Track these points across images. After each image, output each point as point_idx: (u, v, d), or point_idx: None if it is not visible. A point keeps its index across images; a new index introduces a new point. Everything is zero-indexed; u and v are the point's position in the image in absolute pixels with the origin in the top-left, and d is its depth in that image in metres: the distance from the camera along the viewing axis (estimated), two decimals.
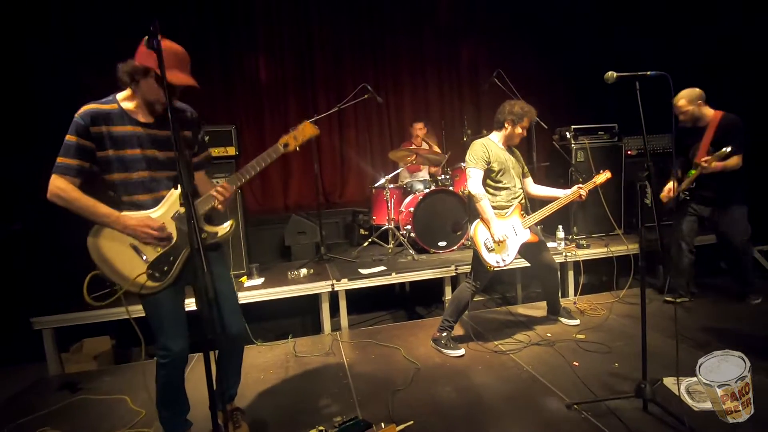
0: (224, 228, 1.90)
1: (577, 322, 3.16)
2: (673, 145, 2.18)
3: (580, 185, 2.89)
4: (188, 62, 1.72)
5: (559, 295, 3.32)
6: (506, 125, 2.85)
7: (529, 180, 3.05)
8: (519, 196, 2.93)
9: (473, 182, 2.78)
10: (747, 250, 3.24)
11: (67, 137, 1.68)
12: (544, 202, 2.99)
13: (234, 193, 1.87)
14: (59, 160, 1.68)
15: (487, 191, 2.84)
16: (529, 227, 2.87)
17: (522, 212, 2.92)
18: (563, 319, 3.20)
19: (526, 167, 3.02)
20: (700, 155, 3.08)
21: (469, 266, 2.94)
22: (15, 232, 3.69)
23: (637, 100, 1.98)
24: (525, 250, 2.94)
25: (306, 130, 1.91)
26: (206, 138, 2.05)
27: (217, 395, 1.87)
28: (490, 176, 2.85)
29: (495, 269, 2.76)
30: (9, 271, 3.59)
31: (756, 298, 3.30)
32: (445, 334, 2.88)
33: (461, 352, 2.81)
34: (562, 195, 2.92)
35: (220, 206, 1.84)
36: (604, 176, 2.96)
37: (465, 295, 2.85)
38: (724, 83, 4.32)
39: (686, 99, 3.09)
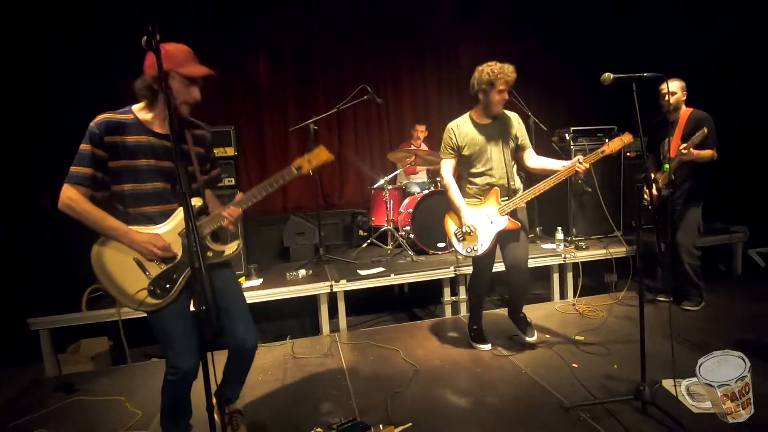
0: (231, 247, 1.87)
1: (535, 338, 2.84)
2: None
3: (580, 157, 2.47)
4: (194, 55, 1.76)
5: (524, 301, 2.92)
6: (480, 96, 2.62)
7: (528, 152, 2.69)
8: (498, 178, 2.63)
9: (443, 171, 2.72)
10: (693, 253, 3.21)
11: (82, 146, 1.63)
12: (543, 177, 2.60)
13: (241, 214, 1.84)
14: (72, 169, 1.63)
15: (467, 179, 2.71)
16: (508, 213, 2.60)
17: (500, 198, 2.64)
18: (521, 333, 2.89)
19: (525, 138, 2.68)
20: (672, 150, 3.12)
21: (469, 268, 2.94)
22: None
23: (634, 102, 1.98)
24: (500, 239, 2.68)
25: (321, 154, 1.89)
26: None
27: (219, 398, 1.85)
28: (465, 162, 2.68)
29: (472, 257, 2.71)
30: (6, 271, 3.58)
31: (691, 305, 3.31)
32: (473, 334, 3.00)
33: (487, 346, 2.91)
34: (560, 168, 2.52)
35: (231, 226, 1.82)
36: (619, 141, 2.40)
37: (472, 300, 2.91)
38: (729, 86, 4.37)
39: (680, 85, 3.15)
